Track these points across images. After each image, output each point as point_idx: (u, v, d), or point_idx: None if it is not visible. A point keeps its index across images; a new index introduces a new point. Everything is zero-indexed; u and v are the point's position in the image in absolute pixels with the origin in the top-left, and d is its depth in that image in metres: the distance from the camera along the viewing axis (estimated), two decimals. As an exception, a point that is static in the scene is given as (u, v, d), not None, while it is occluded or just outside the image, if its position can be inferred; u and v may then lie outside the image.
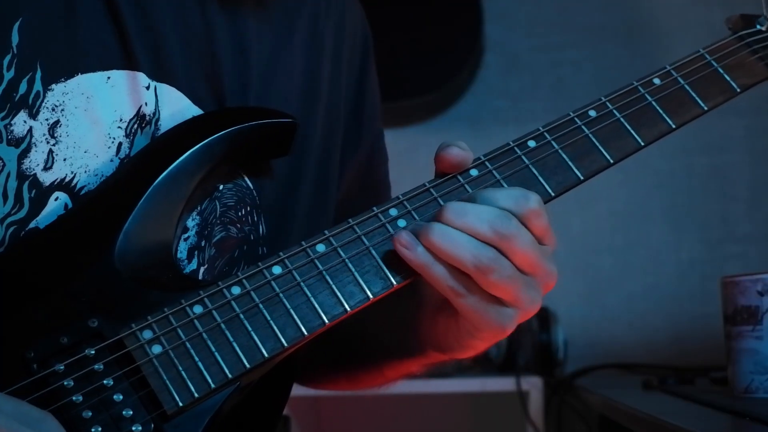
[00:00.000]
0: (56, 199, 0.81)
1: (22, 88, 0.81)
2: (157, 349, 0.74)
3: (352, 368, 1.01)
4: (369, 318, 0.92)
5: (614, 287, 2.26)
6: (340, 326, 0.92)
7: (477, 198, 0.78)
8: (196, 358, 0.75)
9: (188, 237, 0.86)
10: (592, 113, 0.87)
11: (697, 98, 0.90)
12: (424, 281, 0.81)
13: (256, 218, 0.90)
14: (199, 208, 0.86)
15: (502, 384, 1.98)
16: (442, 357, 0.87)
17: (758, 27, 0.95)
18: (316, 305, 0.77)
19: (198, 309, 0.76)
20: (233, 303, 0.77)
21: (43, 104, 0.82)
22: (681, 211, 2.28)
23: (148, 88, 0.86)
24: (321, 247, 0.79)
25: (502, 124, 2.31)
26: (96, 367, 0.74)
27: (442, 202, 0.81)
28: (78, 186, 0.82)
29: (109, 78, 0.84)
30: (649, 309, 2.25)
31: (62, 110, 0.82)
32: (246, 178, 0.89)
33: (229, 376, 0.75)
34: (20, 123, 0.81)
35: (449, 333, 0.82)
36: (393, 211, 0.81)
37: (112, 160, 0.84)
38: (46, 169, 0.82)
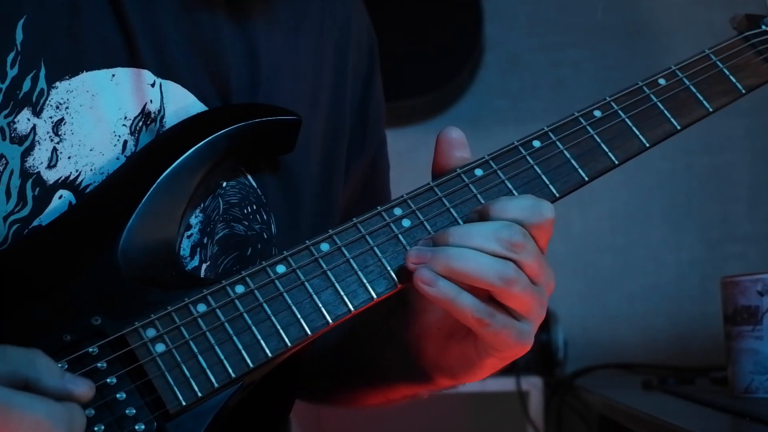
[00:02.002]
0: (60, 197, 0.81)
1: (26, 85, 0.81)
2: (160, 347, 0.74)
3: (355, 390, 1.01)
4: (370, 347, 0.92)
5: (614, 287, 2.26)
6: (343, 347, 0.91)
7: (489, 208, 0.77)
8: (200, 357, 0.74)
9: (191, 234, 0.86)
10: (597, 113, 0.87)
11: (702, 99, 0.89)
12: (427, 307, 0.81)
13: (266, 217, 0.89)
14: (202, 205, 0.86)
15: (502, 384, 1.98)
16: (453, 383, 0.86)
17: (763, 27, 0.94)
18: (320, 305, 0.77)
19: (201, 307, 0.76)
20: (237, 302, 0.76)
21: (47, 102, 0.82)
22: (681, 211, 2.27)
23: (153, 85, 0.85)
24: (325, 246, 0.79)
25: (502, 124, 2.30)
26: (99, 365, 0.73)
27: (446, 202, 0.81)
28: (83, 184, 0.82)
29: (113, 75, 0.84)
30: (649, 309, 2.25)
31: (66, 108, 0.82)
32: (249, 176, 0.89)
33: (233, 375, 0.74)
34: (24, 121, 0.81)
35: (465, 357, 0.81)
36: (397, 211, 0.81)
37: (118, 158, 0.84)
38: (50, 167, 0.81)
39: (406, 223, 0.80)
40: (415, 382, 0.89)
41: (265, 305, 0.76)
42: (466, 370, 0.82)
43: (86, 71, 0.83)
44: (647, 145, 0.87)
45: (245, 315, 0.76)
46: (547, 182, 0.83)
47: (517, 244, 0.75)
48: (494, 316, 0.76)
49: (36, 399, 0.66)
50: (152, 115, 0.85)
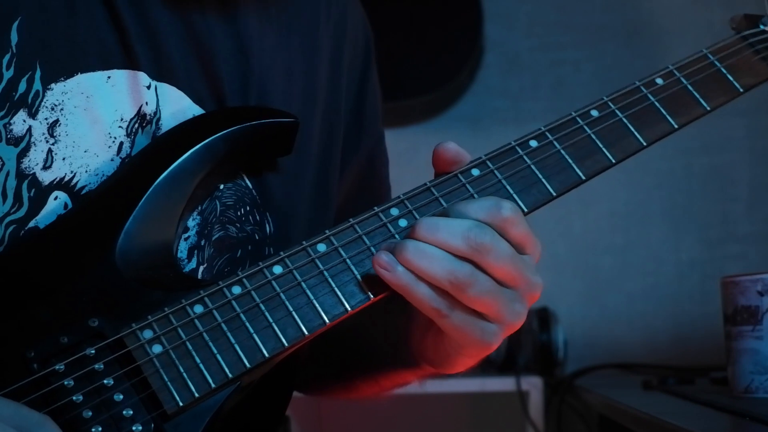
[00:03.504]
0: (56, 199, 0.81)
1: (22, 87, 0.81)
2: (157, 348, 0.74)
3: (349, 378, 1.01)
4: (363, 330, 0.93)
5: (614, 287, 2.26)
6: (337, 335, 0.92)
7: (450, 212, 0.77)
8: (197, 358, 0.74)
9: (188, 237, 0.86)
10: (594, 113, 0.87)
11: (699, 98, 0.89)
12: None
13: (259, 217, 0.89)
14: (199, 207, 0.86)
15: (502, 384, 1.98)
16: (433, 371, 0.87)
17: (762, 27, 0.94)
18: (317, 305, 0.77)
19: (198, 308, 0.76)
20: (234, 302, 0.76)
21: (43, 103, 0.82)
22: (681, 211, 2.27)
23: (149, 87, 0.86)
24: (322, 247, 0.79)
25: (502, 124, 2.30)
26: (96, 366, 0.74)
27: (443, 202, 0.81)
28: (78, 185, 0.82)
29: (109, 77, 0.84)
30: (649, 309, 2.25)
31: (61, 109, 0.82)
32: (245, 178, 0.89)
33: (230, 375, 0.75)
34: (19, 122, 0.81)
35: (437, 350, 0.81)
36: (394, 211, 0.81)
37: (113, 160, 0.84)
38: (45, 168, 0.82)
39: (402, 223, 0.80)
40: (404, 367, 0.90)
41: (262, 306, 0.77)
42: (441, 362, 0.82)
43: (81, 73, 0.83)
44: (644, 144, 0.87)
45: (242, 316, 0.76)
46: (544, 182, 0.83)
47: (484, 245, 0.74)
48: (453, 310, 0.75)
49: None
50: (148, 117, 0.85)
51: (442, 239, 0.74)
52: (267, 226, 0.90)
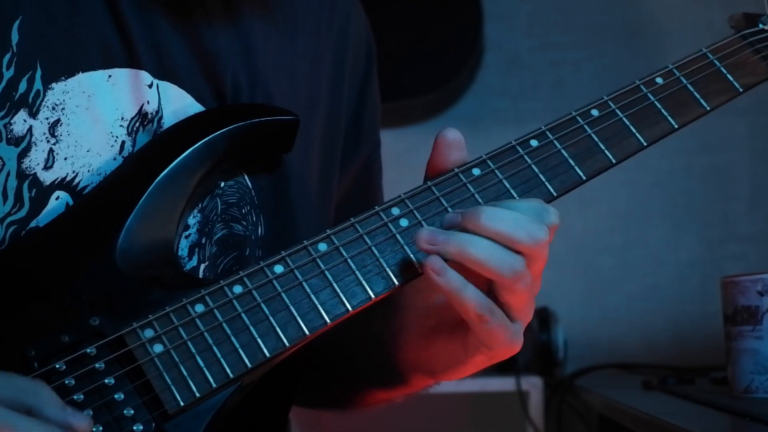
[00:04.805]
0: (57, 199, 0.81)
1: (22, 86, 0.81)
2: (158, 348, 0.74)
3: (335, 395, 1.01)
4: (346, 345, 0.92)
5: (614, 287, 2.26)
6: (319, 350, 0.92)
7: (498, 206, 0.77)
8: (198, 358, 0.74)
9: (189, 234, 0.86)
10: (595, 112, 0.87)
11: (699, 98, 0.89)
12: (409, 303, 0.81)
13: (255, 218, 0.90)
14: (200, 205, 0.86)
15: (502, 384, 1.98)
16: (432, 381, 0.86)
17: (761, 26, 0.94)
18: (318, 305, 0.77)
19: (199, 308, 0.76)
20: (235, 302, 0.76)
21: (44, 103, 0.82)
22: (681, 211, 2.27)
23: (150, 86, 0.86)
24: (323, 246, 0.79)
25: (502, 124, 2.30)
26: (97, 365, 0.74)
27: (444, 202, 0.81)
28: (80, 185, 0.82)
29: (110, 76, 0.84)
30: (649, 309, 2.24)
31: (63, 109, 0.82)
32: (246, 177, 0.89)
33: (231, 375, 0.74)
34: (20, 122, 0.81)
35: (451, 354, 0.81)
36: (395, 210, 0.81)
37: (115, 159, 0.84)
38: (46, 168, 0.82)
39: (403, 222, 0.80)
40: (388, 385, 0.89)
41: (263, 305, 0.76)
42: (448, 368, 0.82)
43: (82, 72, 0.83)
44: (645, 143, 0.86)
45: (243, 315, 0.76)
46: (545, 181, 0.83)
47: (543, 241, 0.75)
48: (494, 312, 0.75)
49: (39, 424, 0.66)
50: (149, 116, 0.85)
51: (504, 229, 0.74)
52: (260, 228, 0.90)
